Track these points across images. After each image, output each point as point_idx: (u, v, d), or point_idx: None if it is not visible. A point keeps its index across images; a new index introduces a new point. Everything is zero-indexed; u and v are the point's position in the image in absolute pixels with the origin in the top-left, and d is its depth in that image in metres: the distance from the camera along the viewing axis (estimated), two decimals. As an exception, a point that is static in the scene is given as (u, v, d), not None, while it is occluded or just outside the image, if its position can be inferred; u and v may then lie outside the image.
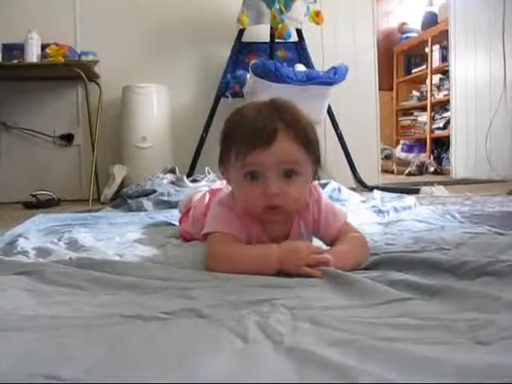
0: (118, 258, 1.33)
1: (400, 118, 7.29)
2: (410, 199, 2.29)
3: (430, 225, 1.73)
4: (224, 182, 1.47)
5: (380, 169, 4.64)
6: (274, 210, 1.18)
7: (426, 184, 3.57)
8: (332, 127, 3.86)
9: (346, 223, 1.30)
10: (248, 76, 3.38)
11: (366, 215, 2.01)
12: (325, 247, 1.27)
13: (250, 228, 1.24)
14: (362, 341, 0.69)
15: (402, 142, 6.99)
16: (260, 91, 3.09)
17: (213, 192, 1.58)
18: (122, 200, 2.77)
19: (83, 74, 3.54)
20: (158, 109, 3.82)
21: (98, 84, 3.92)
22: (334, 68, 3.31)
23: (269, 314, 0.81)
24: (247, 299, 0.90)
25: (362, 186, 3.77)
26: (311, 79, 3.21)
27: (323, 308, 0.86)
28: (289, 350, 0.67)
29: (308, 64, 3.76)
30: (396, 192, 2.69)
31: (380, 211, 2.09)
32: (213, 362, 0.64)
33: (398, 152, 6.77)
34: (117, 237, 1.69)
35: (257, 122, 1.16)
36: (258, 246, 1.20)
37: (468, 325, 0.74)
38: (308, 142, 1.19)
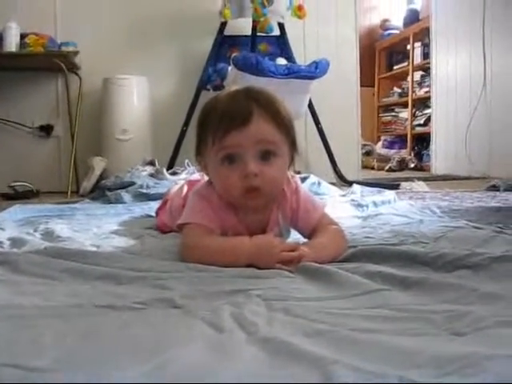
0: (94, 249, 1.31)
1: (381, 114, 7.31)
2: (389, 194, 2.30)
3: (408, 219, 1.74)
4: (202, 174, 1.46)
5: (360, 164, 4.64)
6: (253, 192, 1.16)
7: (407, 180, 3.57)
8: (313, 122, 3.85)
9: (324, 215, 1.29)
10: (229, 69, 3.36)
11: (345, 209, 2.00)
12: (303, 240, 1.27)
13: (225, 219, 1.23)
14: (337, 332, 0.69)
15: (382, 138, 7.02)
16: (241, 84, 3.05)
17: (191, 183, 1.57)
18: (101, 192, 2.75)
19: (63, 65, 3.49)
20: (139, 101, 3.79)
21: (78, 75, 3.88)
22: (315, 62, 3.30)
23: (244, 305, 0.80)
24: (222, 290, 0.89)
25: (342, 181, 3.77)
26: (292, 73, 3.20)
27: (299, 299, 0.85)
28: (263, 341, 0.66)
29: (290, 58, 3.75)
30: (376, 187, 2.69)
31: (359, 205, 2.09)
32: (187, 352, 0.64)
33: (379, 148, 6.80)
34: (94, 228, 1.67)
35: (232, 106, 1.17)
36: (231, 238, 1.19)
37: (444, 316, 0.74)
38: (283, 123, 1.19)
